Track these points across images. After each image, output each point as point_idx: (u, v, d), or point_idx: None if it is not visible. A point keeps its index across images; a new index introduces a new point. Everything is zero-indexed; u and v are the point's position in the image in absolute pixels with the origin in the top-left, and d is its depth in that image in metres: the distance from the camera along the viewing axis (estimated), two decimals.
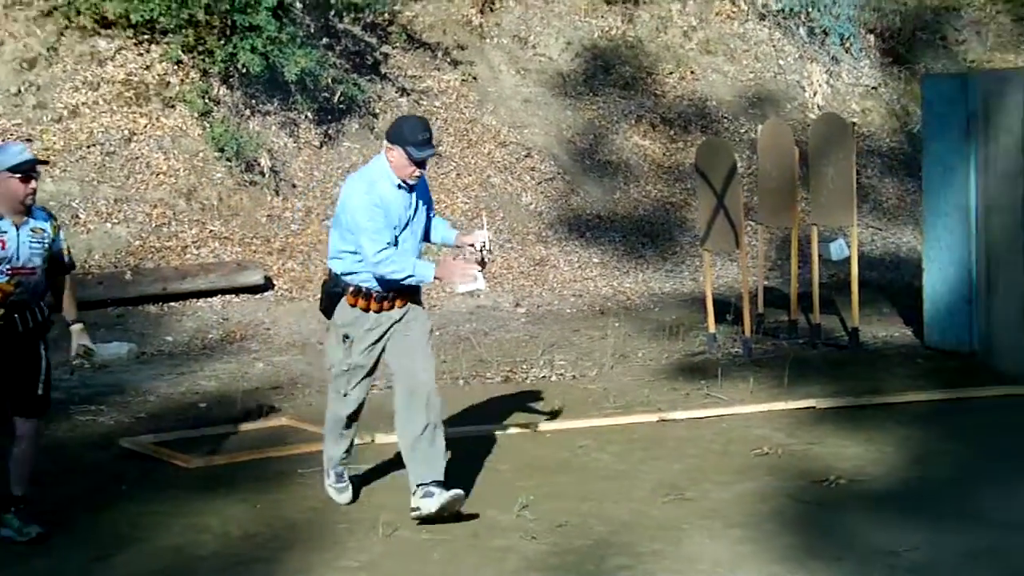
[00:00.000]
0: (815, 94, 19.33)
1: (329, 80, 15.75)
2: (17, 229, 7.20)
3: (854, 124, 17.24)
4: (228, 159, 14.60)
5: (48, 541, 7.32)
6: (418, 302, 7.61)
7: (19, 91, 14.34)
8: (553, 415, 9.78)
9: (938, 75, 18.13)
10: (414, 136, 7.25)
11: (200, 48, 15.18)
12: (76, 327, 7.52)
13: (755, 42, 19.66)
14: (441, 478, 7.41)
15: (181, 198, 14.14)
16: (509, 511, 7.70)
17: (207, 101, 14.98)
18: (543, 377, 11.25)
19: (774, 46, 19.75)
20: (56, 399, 8.80)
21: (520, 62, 17.91)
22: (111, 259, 13.22)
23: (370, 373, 7.67)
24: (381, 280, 7.34)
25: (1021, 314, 10.51)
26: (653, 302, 14.30)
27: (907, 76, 20.39)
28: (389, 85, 16.58)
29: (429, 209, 7.77)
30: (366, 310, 7.43)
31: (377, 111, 16.17)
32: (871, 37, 20.83)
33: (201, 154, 14.59)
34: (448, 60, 17.32)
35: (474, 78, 17.30)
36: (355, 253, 7.37)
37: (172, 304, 12.98)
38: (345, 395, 7.65)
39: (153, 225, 13.73)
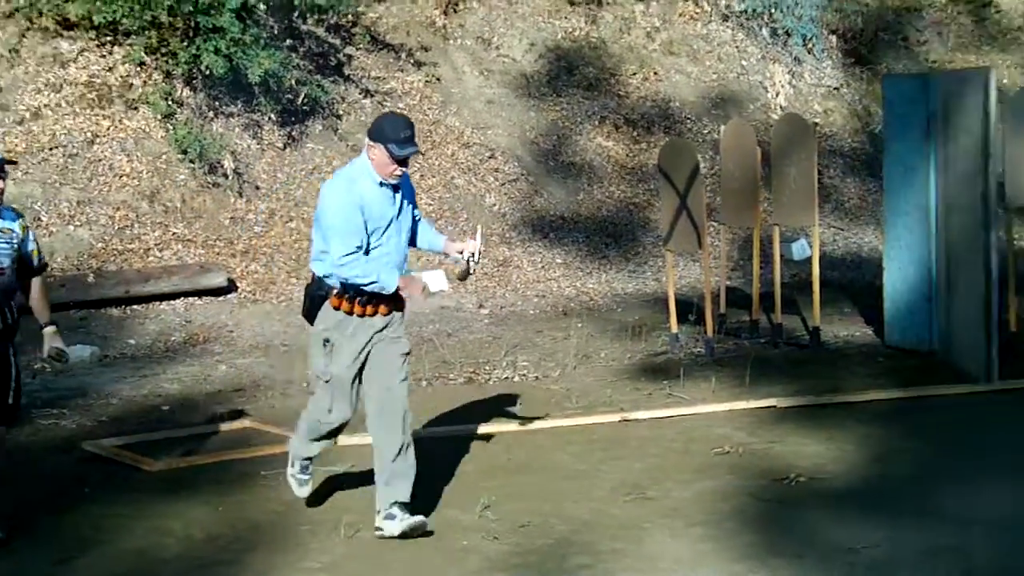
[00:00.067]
0: (778, 95, 19.39)
1: (293, 82, 15.73)
2: None
3: (816, 124, 17.38)
4: (191, 161, 14.58)
5: (10, 545, 7.31)
6: (401, 309, 7.44)
7: None
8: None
9: (899, 75, 18.22)
10: (396, 133, 7.13)
11: (163, 50, 15.15)
12: (49, 329, 7.48)
13: (718, 43, 19.72)
14: (407, 499, 7.35)
15: (144, 200, 14.11)
16: (471, 511, 7.74)
17: (170, 103, 14.94)
18: (506, 378, 11.27)
19: (737, 47, 19.81)
20: None
21: (484, 63, 17.93)
22: (73, 261, 13.19)
23: (352, 390, 7.39)
24: (345, 283, 7.22)
25: (980, 313, 10.56)
26: (616, 302, 14.33)
27: (869, 77, 20.47)
28: (353, 87, 16.57)
29: (414, 210, 7.63)
30: (350, 313, 7.25)
31: (341, 113, 16.16)
32: (833, 38, 20.90)
33: (164, 156, 14.56)
34: (412, 61, 17.32)
35: (438, 79, 17.31)
36: None
37: (135, 307, 12.95)
38: (330, 411, 7.44)
39: (116, 227, 13.69)
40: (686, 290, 14.20)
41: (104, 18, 14.76)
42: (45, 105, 14.41)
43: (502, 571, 6.90)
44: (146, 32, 15.04)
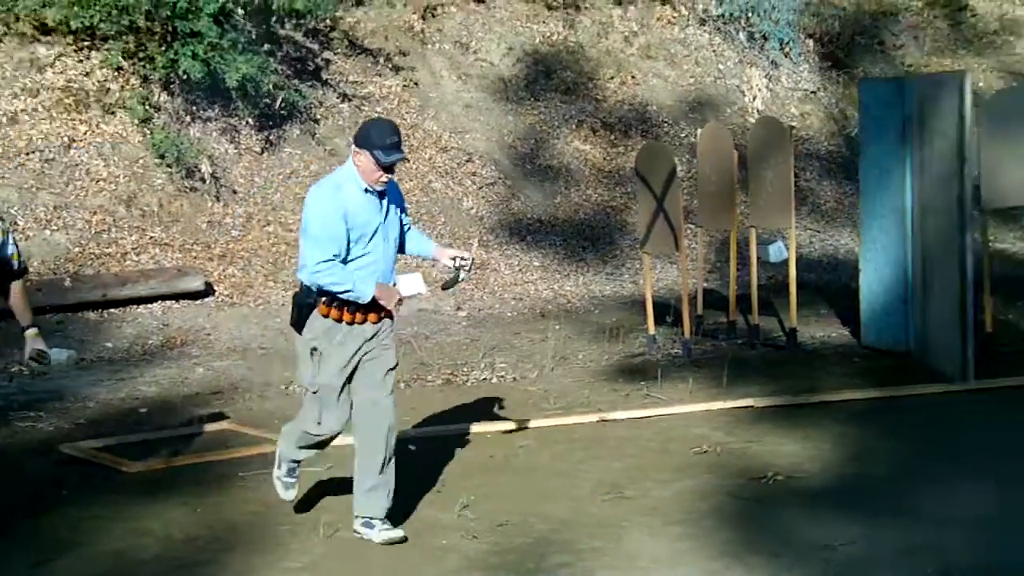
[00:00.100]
0: (755, 98, 19.46)
1: (270, 86, 15.73)
2: None
3: (793, 128, 17.42)
4: (168, 165, 14.57)
5: None
6: (391, 316, 7.33)
7: None
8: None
9: (875, 79, 18.28)
10: (382, 140, 7.03)
11: (141, 54, 15.14)
12: (31, 332, 7.45)
13: (695, 47, 19.78)
14: (383, 516, 7.33)
15: (121, 205, 14.09)
16: (450, 511, 7.76)
17: (147, 107, 14.93)
18: (484, 380, 11.29)
19: (714, 51, 19.87)
20: None
21: (461, 68, 17.96)
22: (50, 266, 13.16)
23: (341, 400, 7.25)
24: (319, 290, 7.10)
25: (956, 314, 10.61)
26: (593, 305, 14.37)
27: (845, 80, 20.55)
28: (330, 91, 16.58)
29: (404, 217, 7.50)
30: (339, 320, 7.12)
31: (318, 117, 16.18)
32: (810, 42, 20.99)
33: (141, 160, 14.54)
34: (389, 66, 17.33)
35: (415, 83, 17.33)
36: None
37: (112, 310, 12.93)
38: (319, 423, 7.29)
39: (93, 232, 13.68)
40: (663, 292, 14.24)
41: (81, 23, 14.74)
42: (22, 110, 14.39)
43: (481, 570, 6.92)
44: (123, 37, 15.03)
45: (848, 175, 18.17)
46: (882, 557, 6.93)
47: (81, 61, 15.02)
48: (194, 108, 15.31)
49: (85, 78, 14.92)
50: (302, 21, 16.90)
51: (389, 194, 7.26)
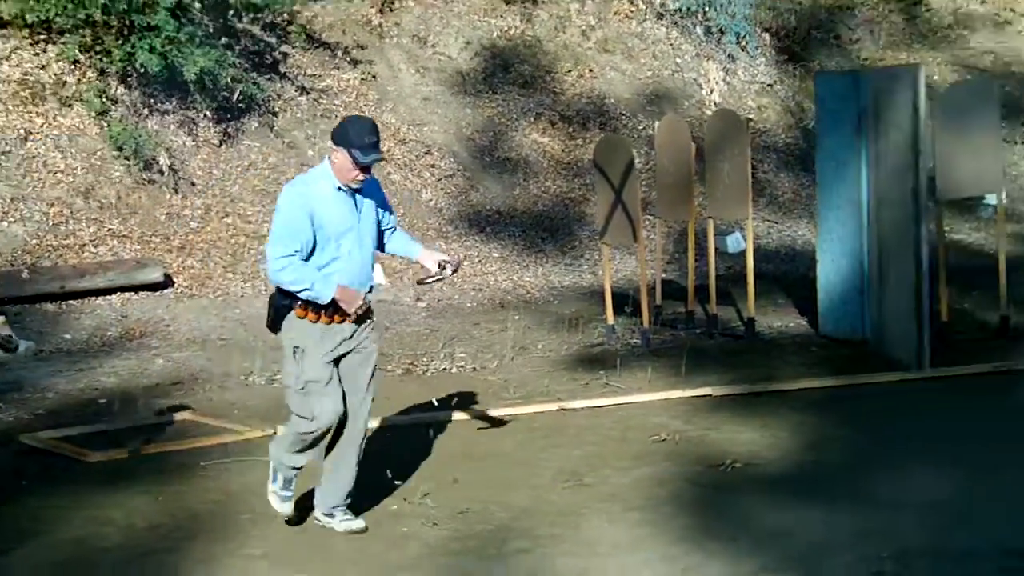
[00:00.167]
0: (712, 91, 19.55)
1: (228, 79, 15.69)
2: None
3: (750, 120, 17.51)
4: (126, 158, 14.52)
5: None
6: (370, 316, 7.26)
7: None
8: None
9: (830, 72, 18.40)
10: (360, 139, 6.86)
11: (98, 48, 15.07)
12: None
13: (653, 41, 19.84)
14: (346, 505, 7.32)
15: (79, 197, 14.05)
16: (411, 498, 7.80)
17: (104, 100, 14.87)
18: (444, 369, 11.32)
19: (671, 44, 19.94)
20: None
21: (420, 61, 17.97)
22: (7, 257, 13.10)
23: (332, 386, 7.06)
24: (283, 291, 6.99)
25: (911, 303, 10.71)
26: (553, 295, 14.42)
27: (802, 74, 20.65)
28: (289, 84, 16.57)
29: (383, 217, 7.35)
30: (315, 322, 6.99)
31: (277, 110, 16.16)
32: (767, 36, 21.08)
33: (99, 153, 14.49)
34: (348, 59, 17.33)
35: (374, 77, 17.33)
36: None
37: (71, 302, 12.88)
38: (312, 418, 7.04)
39: (50, 224, 13.62)
40: (622, 283, 14.29)
41: (37, 16, 14.65)
42: None
43: (442, 556, 6.96)
44: (80, 31, 14.96)
45: (805, 167, 18.29)
46: (839, 541, 7.00)
47: (37, 54, 14.95)
48: (152, 101, 15.27)
49: (41, 71, 14.85)
50: (259, 15, 16.87)
51: (368, 193, 7.13)
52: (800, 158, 18.84)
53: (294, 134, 15.95)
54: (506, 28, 18.87)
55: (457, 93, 17.75)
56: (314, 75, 16.87)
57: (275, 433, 9.19)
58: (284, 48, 16.98)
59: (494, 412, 9.74)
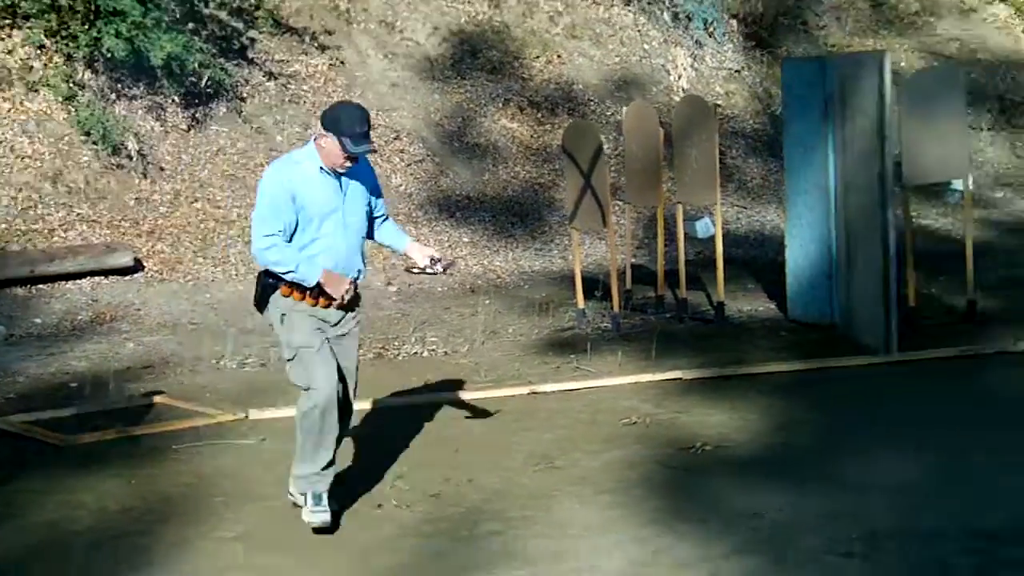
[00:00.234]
0: (680, 77, 19.60)
1: (196, 65, 15.65)
2: None
3: (717, 106, 17.59)
4: (94, 143, 14.48)
5: None
6: (358, 304, 7.20)
7: None
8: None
9: (797, 59, 18.49)
10: (352, 127, 6.78)
11: (63, 33, 15.01)
12: None
13: (620, 27, 19.88)
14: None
15: (47, 182, 14.01)
16: (384, 481, 7.83)
17: (71, 85, 14.83)
18: (415, 353, 11.35)
19: (639, 31, 19.98)
20: None
21: (388, 47, 17.96)
22: None
23: (324, 353, 6.97)
24: (269, 272, 6.96)
25: (879, 288, 10.78)
26: (523, 280, 14.44)
27: (769, 60, 20.74)
28: (256, 69, 16.54)
29: (373, 202, 7.25)
30: (300, 302, 6.94)
31: (244, 95, 16.13)
32: (734, 22, 21.15)
33: (67, 138, 14.45)
34: (316, 45, 17.31)
35: (342, 62, 17.32)
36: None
37: (40, 286, 12.84)
38: (309, 387, 6.94)
39: (19, 208, 13.57)
40: (592, 267, 14.33)
41: (2, 2, 14.61)
42: None
43: (415, 538, 7.00)
44: (45, 15, 14.90)
45: (773, 153, 18.36)
46: (808, 523, 7.06)
47: (2, 39, 14.87)
48: (119, 86, 15.23)
49: (7, 56, 14.79)
50: (226, 0, 16.84)
51: (358, 177, 7.07)
52: (768, 144, 18.92)
53: (262, 119, 15.94)
54: (474, 14, 18.88)
55: (426, 79, 17.76)
56: (282, 60, 16.85)
57: (246, 416, 9.24)
58: (251, 33, 16.95)
59: (468, 397, 9.76)
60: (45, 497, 7.71)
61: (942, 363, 10.62)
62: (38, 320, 12.29)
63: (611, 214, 12.14)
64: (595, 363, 10.78)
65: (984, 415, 9.08)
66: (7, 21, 14.94)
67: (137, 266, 13.39)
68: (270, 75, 16.54)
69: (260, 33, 17.00)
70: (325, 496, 7.06)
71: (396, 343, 11.58)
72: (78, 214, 13.82)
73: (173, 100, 15.49)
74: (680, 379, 10.19)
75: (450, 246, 15.18)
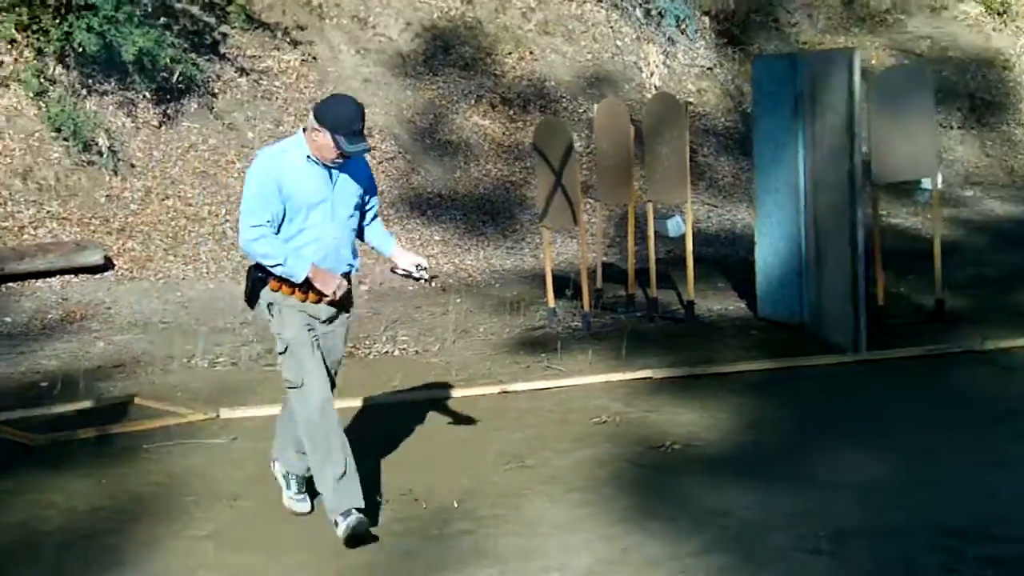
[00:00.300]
0: (652, 75, 19.63)
1: (167, 60, 15.62)
2: None
3: (689, 104, 17.61)
4: (65, 139, 14.45)
5: None
6: (350, 304, 7.18)
7: None
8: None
9: (768, 56, 18.54)
10: (348, 125, 6.63)
11: (34, 27, 14.97)
12: None
13: (593, 24, 19.90)
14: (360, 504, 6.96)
15: (17, 178, 13.97)
16: None
17: (42, 81, 14.79)
18: (386, 352, 11.36)
19: (611, 27, 20.01)
20: None
21: (360, 42, 17.94)
22: None
23: (314, 350, 6.91)
24: (258, 265, 6.86)
25: (848, 287, 10.82)
26: (494, 278, 14.45)
27: (741, 57, 20.77)
28: (228, 65, 16.51)
29: (366, 198, 7.13)
30: (289, 295, 6.85)
31: (216, 91, 16.11)
32: (706, 19, 21.18)
33: (37, 134, 14.42)
34: (288, 40, 17.28)
35: (314, 58, 17.30)
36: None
37: (10, 285, 12.80)
38: (302, 384, 6.87)
39: None
40: (563, 266, 14.35)
41: None
42: None
43: (385, 536, 7.01)
44: (16, 9, 14.85)
45: (744, 151, 18.38)
46: (777, 521, 7.10)
47: None
48: (90, 81, 15.18)
49: None
50: None
51: (353, 171, 6.95)
52: (739, 142, 18.95)
53: (234, 115, 15.91)
54: (446, 9, 18.88)
55: (398, 75, 17.75)
56: (254, 56, 16.82)
57: (217, 416, 9.23)
58: (223, 28, 16.91)
59: (438, 396, 9.78)
60: (15, 497, 7.70)
61: (910, 362, 10.65)
62: (8, 319, 12.26)
63: (582, 212, 12.17)
64: (566, 362, 10.81)
65: (951, 414, 9.13)
66: None
67: (108, 264, 13.35)
68: (242, 71, 16.52)
69: (232, 28, 16.97)
70: (305, 483, 7.09)
71: (367, 342, 11.59)
72: (48, 211, 13.79)
73: (144, 96, 15.45)
74: (650, 378, 10.22)
75: (421, 244, 15.19)
